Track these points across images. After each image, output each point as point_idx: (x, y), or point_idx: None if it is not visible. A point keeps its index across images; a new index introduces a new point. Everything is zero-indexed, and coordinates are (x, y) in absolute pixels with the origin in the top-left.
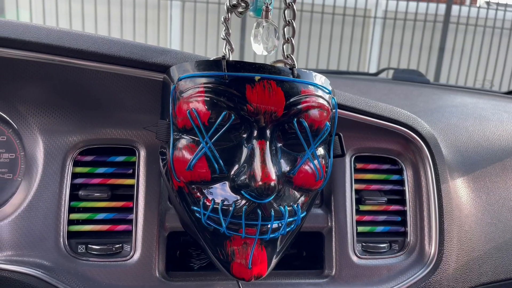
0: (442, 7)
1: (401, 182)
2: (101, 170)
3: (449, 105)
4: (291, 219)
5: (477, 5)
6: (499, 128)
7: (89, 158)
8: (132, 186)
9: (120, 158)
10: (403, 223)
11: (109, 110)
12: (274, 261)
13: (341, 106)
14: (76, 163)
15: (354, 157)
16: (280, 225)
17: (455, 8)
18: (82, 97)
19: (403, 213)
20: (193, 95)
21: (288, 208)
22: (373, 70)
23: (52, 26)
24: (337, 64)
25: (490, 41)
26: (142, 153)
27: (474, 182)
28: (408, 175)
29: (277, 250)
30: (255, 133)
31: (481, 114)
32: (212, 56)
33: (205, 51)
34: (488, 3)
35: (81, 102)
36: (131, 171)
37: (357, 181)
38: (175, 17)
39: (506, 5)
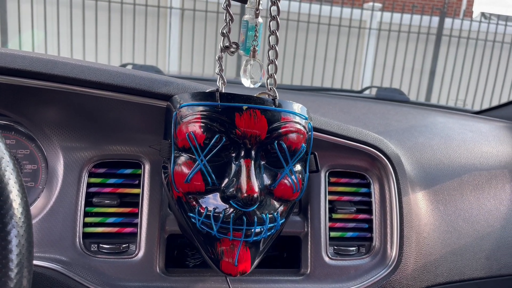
0: (436, 19)
1: (368, 194)
2: (111, 180)
3: (420, 125)
4: (271, 224)
5: (472, 18)
6: (461, 147)
7: (101, 170)
8: (137, 194)
9: (128, 171)
10: (370, 229)
11: (120, 131)
12: (257, 260)
13: (316, 129)
14: (91, 175)
15: (328, 172)
16: (262, 229)
17: (448, 21)
18: (97, 119)
19: (370, 221)
20: (192, 121)
21: (269, 216)
22: (367, 79)
23: (75, 59)
24: (333, 70)
25: (481, 53)
26: (147, 167)
27: (434, 195)
28: (375, 188)
29: (260, 250)
30: (242, 153)
31: (447, 133)
32: (205, 90)
33: (203, 58)
34: (483, 15)
35: (96, 124)
36: (137, 182)
37: (331, 193)
38: (174, 25)
39: (498, 17)
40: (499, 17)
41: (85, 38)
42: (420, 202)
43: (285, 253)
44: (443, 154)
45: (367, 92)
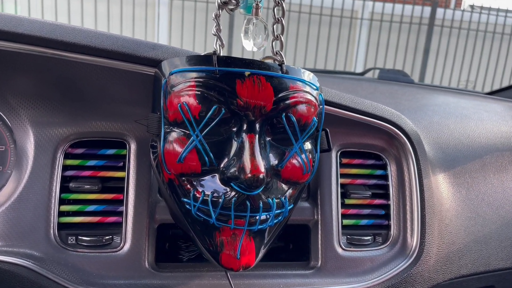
0: (427, 10)
1: (385, 177)
2: (91, 162)
3: (432, 104)
4: (278, 211)
5: (462, 8)
6: (479, 127)
7: (80, 150)
8: (122, 178)
9: (111, 151)
10: (387, 216)
11: (101, 103)
12: (262, 251)
13: (328, 103)
14: (67, 156)
15: (340, 152)
16: (268, 216)
17: (439, 11)
18: (74, 90)
19: (386, 207)
20: (184, 89)
21: (276, 200)
22: (359, 70)
23: (44, 19)
24: (324, 63)
25: (473, 44)
26: (133, 146)
27: (455, 177)
28: (392, 170)
29: (265, 241)
30: (245, 127)
31: (462, 113)
32: (200, 53)
33: (193, 49)
34: (472, 7)
35: (73, 95)
36: (121, 164)
37: (343, 175)
38: (163, 15)
39: (489, 9)
40: (489, 9)
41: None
42: (441, 186)
43: (292, 244)
44: (461, 133)
45: (369, 75)
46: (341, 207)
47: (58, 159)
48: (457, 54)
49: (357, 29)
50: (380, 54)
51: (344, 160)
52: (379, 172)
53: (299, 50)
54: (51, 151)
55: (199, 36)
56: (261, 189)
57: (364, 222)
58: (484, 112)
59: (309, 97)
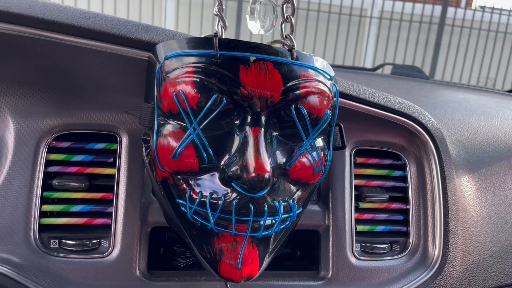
0: (438, 8)
1: (403, 179)
2: (78, 157)
3: (452, 100)
4: (286, 215)
5: (473, 7)
6: (504, 125)
7: (65, 144)
8: (112, 176)
9: (100, 145)
10: (405, 222)
11: (89, 92)
12: (266, 261)
13: (342, 95)
14: (51, 150)
15: (354, 150)
16: (273, 221)
17: (450, 10)
18: (59, 76)
19: (405, 212)
20: (181, 76)
21: (283, 203)
22: (368, 67)
23: None
24: (332, 60)
25: (484, 43)
26: (124, 140)
27: (480, 180)
28: (411, 171)
29: (270, 249)
30: (249, 119)
31: (485, 110)
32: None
33: None
34: (483, 7)
35: (58, 81)
36: (111, 159)
37: (357, 176)
38: (170, 12)
39: (501, 10)
40: (501, 10)
41: None
42: (465, 189)
43: (299, 251)
44: (485, 132)
45: (382, 70)
46: (355, 211)
47: (40, 153)
48: (468, 53)
49: (366, 27)
50: (390, 52)
51: (359, 160)
52: (397, 173)
53: (306, 47)
54: (32, 144)
55: (206, 32)
56: (266, 190)
57: (380, 228)
58: (507, 111)
59: (322, 87)
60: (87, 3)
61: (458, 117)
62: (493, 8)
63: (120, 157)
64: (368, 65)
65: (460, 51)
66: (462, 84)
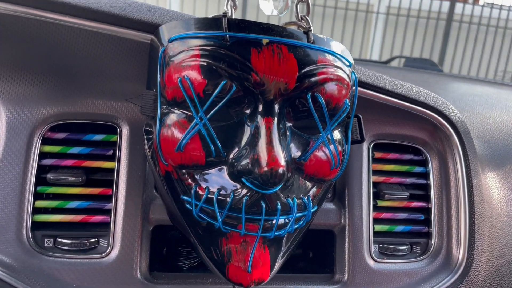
0: (446, 4)
1: (425, 175)
2: (75, 150)
3: (471, 93)
4: (300, 214)
5: (481, 3)
6: None
7: (61, 135)
8: (111, 170)
9: (99, 137)
10: (427, 222)
11: (86, 78)
12: (278, 264)
13: (361, 83)
14: (46, 141)
15: (372, 144)
16: (287, 220)
17: (458, 6)
18: (54, 61)
19: (426, 211)
20: (186, 60)
21: (297, 201)
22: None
23: None
24: None
25: (493, 39)
26: (125, 131)
27: (506, 178)
28: (433, 167)
29: (282, 251)
30: (261, 108)
31: (507, 104)
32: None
33: None
34: (491, 5)
35: (53, 66)
36: (111, 152)
37: (375, 172)
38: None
39: (510, 7)
40: (509, 7)
41: None
42: (491, 187)
43: (312, 252)
44: (509, 127)
45: (394, 64)
46: (373, 210)
47: (34, 144)
48: (476, 48)
49: (373, 23)
50: (396, 47)
51: (377, 154)
52: (418, 169)
53: None
54: (25, 134)
55: (211, 10)
56: (280, 186)
57: (399, 228)
58: None
59: (341, 74)
60: None
61: (480, 110)
62: (501, 6)
63: (120, 149)
64: (375, 57)
65: (468, 46)
66: (478, 78)
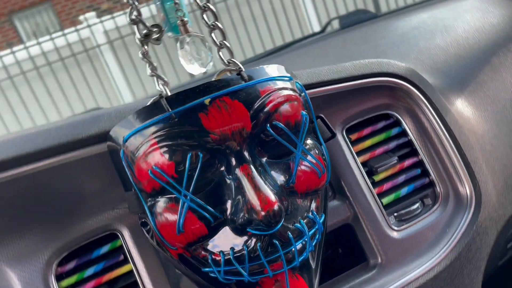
0: None
1: (403, 134)
2: (90, 271)
3: (409, 29)
4: (312, 230)
5: None
6: (469, 32)
7: (71, 265)
8: (131, 272)
9: (105, 248)
10: (425, 173)
11: (74, 206)
12: (316, 281)
13: (308, 86)
14: (60, 277)
15: (345, 130)
16: (304, 243)
17: None
18: (39, 205)
19: (420, 164)
20: (147, 151)
21: (304, 221)
22: (315, 25)
23: None
24: (282, 39)
25: None
26: (126, 233)
27: (473, 96)
28: (407, 122)
29: (313, 269)
30: (233, 161)
31: (444, 24)
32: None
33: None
34: None
35: (41, 211)
36: (121, 257)
37: (359, 153)
38: (110, 60)
39: None
40: None
41: (27, 106)
42: (465, 113)
43: (341, 248)
44: (456, 48)
45: (329, 29)
46: (373, 187)
47: (52, 287)
48: None
49: None
50: (331, 9)
51: (353, 136)
52: (395, 131)
53: (242, 38)
54: (41, 283)
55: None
56: (282, 220)
57: (404, 191)
58: (465, 14)
59: (287, 92)
60: (31, 119)
61: (424, 44)
62: None
63: (129, 251)
64: (317, 29)
65: None
66: (411, 6)
